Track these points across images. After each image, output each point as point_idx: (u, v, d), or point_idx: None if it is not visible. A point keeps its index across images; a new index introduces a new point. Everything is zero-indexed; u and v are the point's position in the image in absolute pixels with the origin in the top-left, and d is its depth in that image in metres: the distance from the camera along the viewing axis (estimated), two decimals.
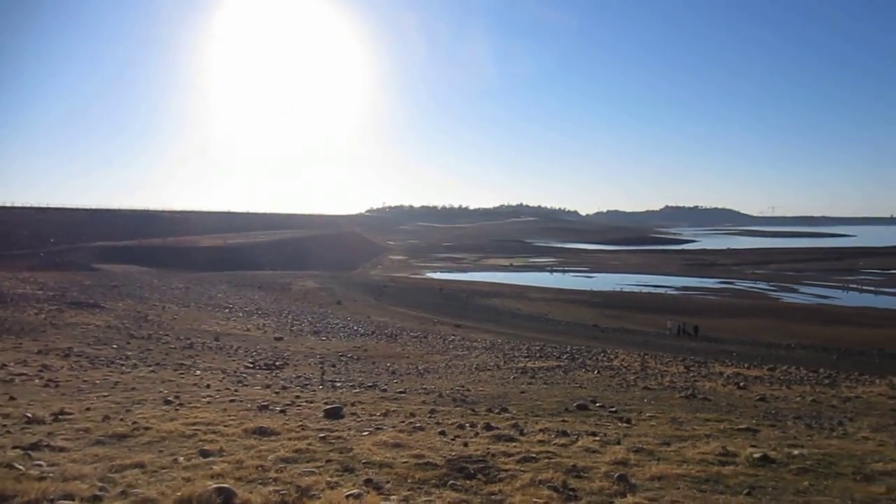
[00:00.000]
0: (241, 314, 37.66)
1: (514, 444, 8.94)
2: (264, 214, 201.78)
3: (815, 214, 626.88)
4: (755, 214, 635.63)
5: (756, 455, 8.26)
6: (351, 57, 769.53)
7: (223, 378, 15.69)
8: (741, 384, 17.85)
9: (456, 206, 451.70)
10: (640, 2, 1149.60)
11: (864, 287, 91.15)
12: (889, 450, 9.26)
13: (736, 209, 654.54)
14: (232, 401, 11.91)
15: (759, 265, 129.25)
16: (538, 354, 26.06)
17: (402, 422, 10.44)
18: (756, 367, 25.06)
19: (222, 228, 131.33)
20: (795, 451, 8.72)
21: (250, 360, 19.93)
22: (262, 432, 8.80)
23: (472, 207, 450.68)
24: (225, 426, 9.19)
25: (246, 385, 14.62)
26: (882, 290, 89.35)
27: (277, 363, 19.63)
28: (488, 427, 10.01)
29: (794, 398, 15.52)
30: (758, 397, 15.38)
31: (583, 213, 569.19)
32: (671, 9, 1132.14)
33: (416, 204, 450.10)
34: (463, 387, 15.85)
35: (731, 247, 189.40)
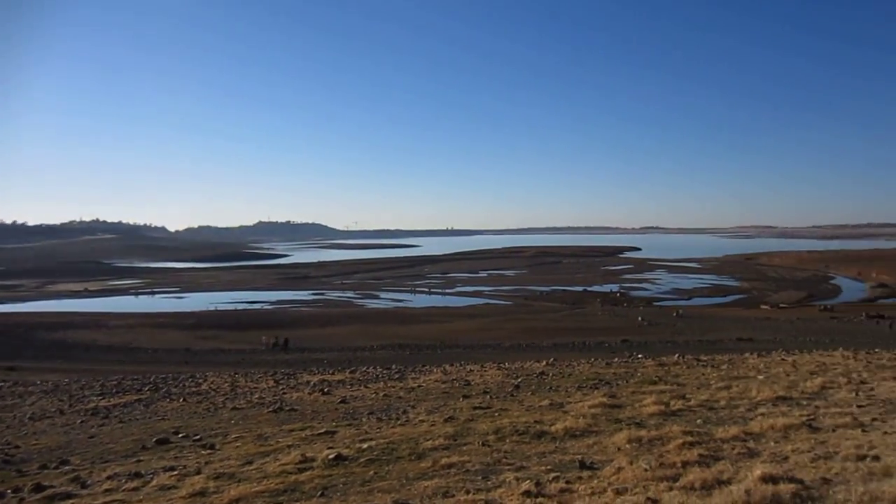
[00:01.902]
0: None
1: (72, 501, 7.77)
2: None
3: (391, 228, 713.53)
4: (341, 228, 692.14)
5: (331, 456, 8.73)
6: None
7: None
8: (325, 390, 18.90)
9: (8, 221, 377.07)
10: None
11: (433, 290, 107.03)
12: (438, 428, 10.83)
13: (325, 223, 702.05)
14: None
15: (346, 275, 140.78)
16: (115, 390, 23.36)
17: None
18: (340, 371, 26.98)
19: None
20: (365, 445, 9.51)
21: None
22: None
23: (30, 223, 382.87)
24: None
25: None
26: (442, 290, 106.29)
27: None
28: (39, 488, 8.44)
29: (370, 396, 17.08)
30: (339, 400, 16.48)
31: (171, 228, 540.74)
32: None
33: None
34: (9, 443, 13.18)
35: (322, 259, 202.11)
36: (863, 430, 8.20)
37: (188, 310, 79.02)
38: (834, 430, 8.38)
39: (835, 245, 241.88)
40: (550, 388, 16.26)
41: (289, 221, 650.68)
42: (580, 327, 59.67)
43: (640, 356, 26.96)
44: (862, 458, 6.52)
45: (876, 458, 6.43)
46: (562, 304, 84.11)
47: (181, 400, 18.62)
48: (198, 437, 12.00)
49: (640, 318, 63.95)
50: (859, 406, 10.20)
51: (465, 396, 15.27)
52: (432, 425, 11.23)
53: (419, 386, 18.51)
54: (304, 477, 7.92)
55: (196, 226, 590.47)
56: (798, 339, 44.14)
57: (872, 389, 11.86)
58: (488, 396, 15.04)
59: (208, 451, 10.56)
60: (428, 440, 9.57)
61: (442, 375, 21.38)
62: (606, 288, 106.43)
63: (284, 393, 19.26)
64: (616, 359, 26.02)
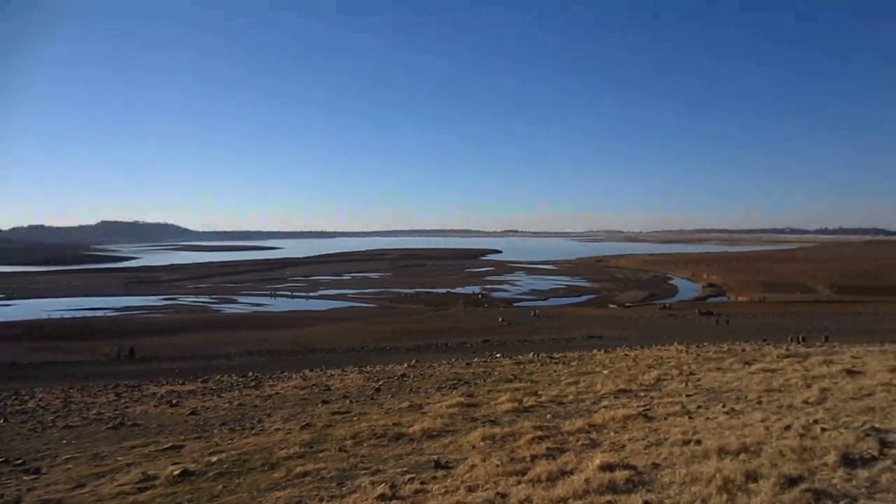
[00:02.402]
0: None
1: None
2: None
3: (251, 229, 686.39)
4: (197, 229, 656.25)
5: (176, 472, 8.22)
6: None
7: None
8: (174, 401, 17.77)
9: None
10: None
11: (295, 294, 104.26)
12: (293, 436, 10.53)
13: (178, 224, 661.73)
14: None
15: (201, 279, 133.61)
16: None
17: None
18: (192, 381, 25.48)
19: None
20: (214, 458, 9.04)
21: None
22: None
23: None
24: None
25: None
26: (306, 294, 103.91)
27: None
28: None
29: (223, 406, 16.27)
30: (189, 412, 15.55)
31: None
32: None
33: None
34: None
35: (175, 262, 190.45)
36: (689, 418, 8.98)
37: (17, 318, 71.19)
38: (666, 419, 9.11)
39: (673, 249, 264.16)
40: (411, 389, 16.38)
41: (136, 221, 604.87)
42: (443, 328, 60.75)
43: (498, 355, 27.89)
44: (687, 442, 7.12)
45: (698, 441, 7.05)
46: (426, 306, 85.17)
47: (1, 421, 16.66)
48: (20, 461, 10.76)
49: (500, 319, 66.17)
50: (688, 395, 11.17)
51: (324, 402, 15.00)
52: (288, 433, 10.92)
53: (276, 393, 17.92)
54: (145, 497, 7.40)
55: (27, 225, 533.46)
56: (641, 336, 47.71)
57: (699, 380, 13.05)
58: (348, 401, 14.87)
59: (32, 477, 9.50)
60: (283, 449, 9.29)
61: (301, 381, 20.85)
62: (469, 290, 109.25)
63: (127, 407, 17.84)
64: (476, 359, 26.73)
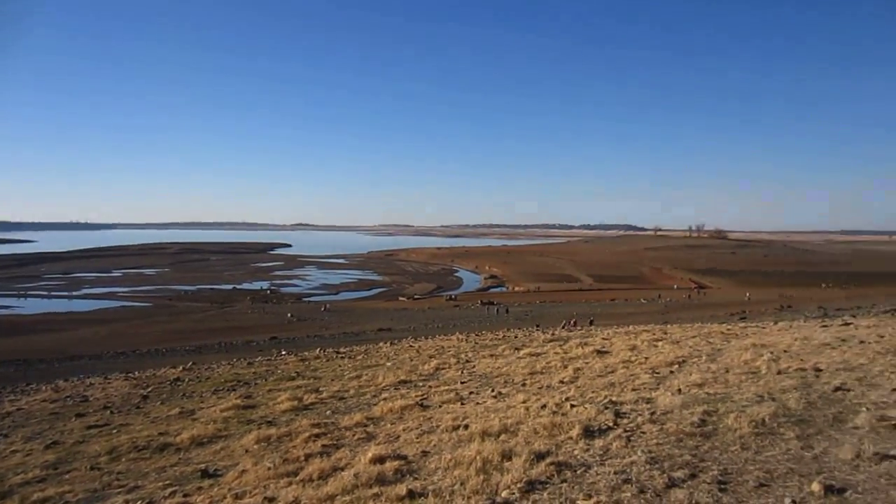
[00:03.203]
0: None
1: None
2: None
3: None
4: None
5: None
6: None
7: None
8: None
9: None
10: None
11: (53, 293, 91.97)
12: (35, 457, 9.24)
13: None
14: None
15: None
16: None
17: None
18: None
19: None
20: None
21: None
22: None
23: None
24: None
25: None
26: (65, 294, 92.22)
27: None
28: None
29: None
30: None
31: None
32: None
33: None
34: None
35: None
36: (462, 404, 9.45)
37: None
38: (440, 406, 9.49)
39: (458, 242, 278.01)
40: (184, 395, 15.27)
41: None
42: (228, 327, 57.60)
43: (283, 353, 27.14)
44: (456, 428, 7.47)
45: (466, 426, 7.43)
46: (209, 304, 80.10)
47: None
48: None
49: (289, 315, 64.48)
50: (462, 382, 11.78)
51: (79, 415, 13.37)
52: (28, 455, 9.58)
53: (18, 409, 15.54)
54: None
55: None
56: (427, 327, 49.46)
57: (474, 367, 13.84)
58: (108, 412, 13.45)
59: None
60: (19, 474, 8.13)
61: (52, 393, 18.35)
62: (257, 285, 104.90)
63: None
64: (259, 357, 25.73)
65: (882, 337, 11.99)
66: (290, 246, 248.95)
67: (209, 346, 43.44)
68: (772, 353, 10.79)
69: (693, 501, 4.24)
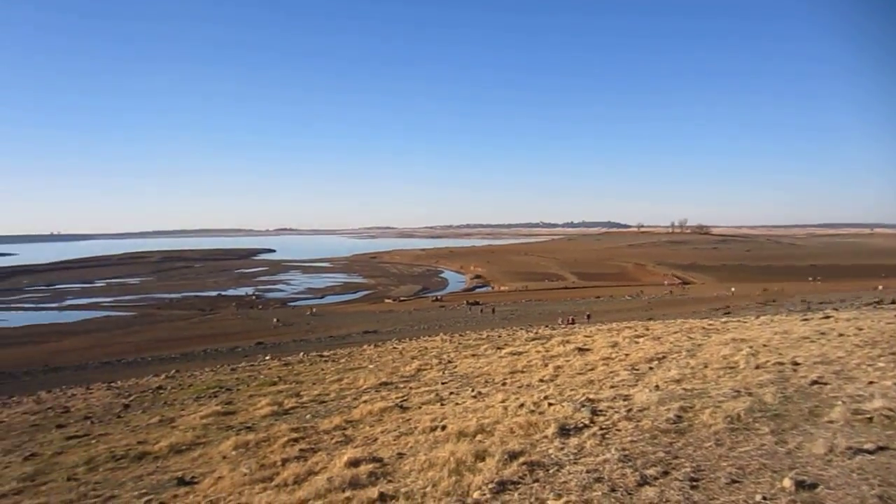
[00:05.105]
0: None
1: None
2: None
3: None
4: None
5: None
6: None
7: None
8: None
9: None
10: None
11: (40, 305, 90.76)
12: (13, 469, 9.14)
13: None
14: None
15: None
16: None
17: None
18: None
19: None
20: None
21: None
22: None
23: None
24: None
25: None
26: (49, 305, 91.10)
27: None
28: None
29: None
30: None
31: None
32: None
33: None
34: None
35: None
36: (441, 405, 9.42)
37: None
38: (420, 408, 9.45)
39: (442, 243, 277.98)
40: (166, 402, 15.12)
41: None
42: (213, 334, 57.19)
43: (267, 358, 26.96)
44: (434, 429, 7.45)
45: (443, 427, 7.40)
46: (194, 311, 79.52)
47: None
48: None
49: (275, 320, 64.10)
50: (443, 383, 11.75)
51: (59, 426, 13.19)
52: (6, 467, 9.45)
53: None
54: None
55: None
56: (413, 328, 49.34)
57: (456, 367, 13.81)
58: (89, 422, 13.28)
59: None
60: None
61: (34, 405, 18.12)
62: (241, 291, 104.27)
63: None
64: (243, 363, 25.55)
65: (861, 329, 12.13)
66: (273, 251, 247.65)
67: (194, 354, 43.08)
68: (751, 347, 10.88)
69: (664, 499, 4.25)
